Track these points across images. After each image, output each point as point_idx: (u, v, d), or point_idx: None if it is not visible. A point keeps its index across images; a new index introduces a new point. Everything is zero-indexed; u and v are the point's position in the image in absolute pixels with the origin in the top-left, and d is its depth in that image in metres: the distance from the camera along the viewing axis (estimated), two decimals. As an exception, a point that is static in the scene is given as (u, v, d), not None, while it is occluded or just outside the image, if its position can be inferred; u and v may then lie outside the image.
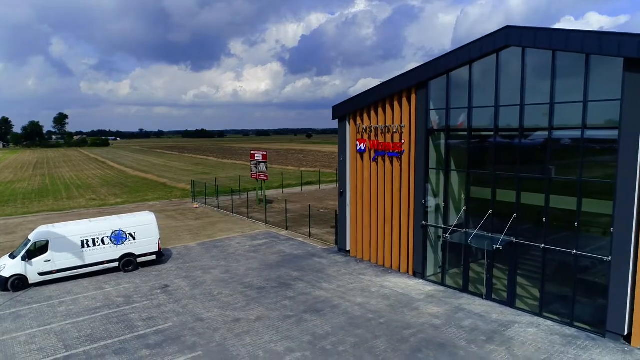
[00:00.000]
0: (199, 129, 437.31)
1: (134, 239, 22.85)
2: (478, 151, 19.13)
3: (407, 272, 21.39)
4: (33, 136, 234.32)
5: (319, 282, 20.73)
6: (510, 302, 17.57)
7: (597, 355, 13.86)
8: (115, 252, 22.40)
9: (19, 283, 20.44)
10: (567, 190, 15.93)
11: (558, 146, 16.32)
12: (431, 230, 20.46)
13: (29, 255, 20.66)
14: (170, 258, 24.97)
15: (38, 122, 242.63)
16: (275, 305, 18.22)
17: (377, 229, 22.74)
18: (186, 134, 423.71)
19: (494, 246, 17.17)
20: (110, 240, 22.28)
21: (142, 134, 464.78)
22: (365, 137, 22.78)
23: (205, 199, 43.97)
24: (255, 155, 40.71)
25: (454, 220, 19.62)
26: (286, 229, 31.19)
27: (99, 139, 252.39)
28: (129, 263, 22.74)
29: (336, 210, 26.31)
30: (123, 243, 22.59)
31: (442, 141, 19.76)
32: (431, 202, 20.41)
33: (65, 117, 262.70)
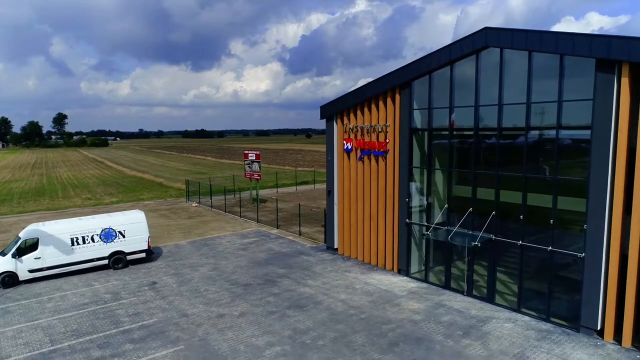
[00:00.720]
0: (199, 129, 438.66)
1: (124, 236, 23.16)
2: (460, 150, 19.45)
3: (392, 269, 21.71)
4: (32, 136, 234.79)
5: (304, 279, 21.05)
6: (490, 299, 17.89)
7: (569, 350, 14.18)
8: (105, 249, 22.71)
9: (9, 280, 20.78)
10: (544, 188, 16.26)
11: (535, 145, 16.64)
12: (415, 228, 20.78)
13: (19, 253, 20.99)
14: (161, 256, 25.29)
15: (37, 122, 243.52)
16: (260, 301, 18.54)
17: (364, 227, 23.06)
18: (186, 134, 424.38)
19: (472, 243, 17.48)
20: (100, 238, 22.58)
21: (142, 134, 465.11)
22: (352, 136, 23.09)
23: (199, 198, 44.30)
24: (249, 154, 40.96)
25: (437, 218, 19.94)
26: (277, 228, 31.52)
27: (99, 139, 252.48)
28: (118, 260, 23.05)
29: (324, 209, 26.62)
30: (113, 241, 22.90)
31: (425, 140, 20.09)
32: (415, 200, 20.73)
33: (65, 117, 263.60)
